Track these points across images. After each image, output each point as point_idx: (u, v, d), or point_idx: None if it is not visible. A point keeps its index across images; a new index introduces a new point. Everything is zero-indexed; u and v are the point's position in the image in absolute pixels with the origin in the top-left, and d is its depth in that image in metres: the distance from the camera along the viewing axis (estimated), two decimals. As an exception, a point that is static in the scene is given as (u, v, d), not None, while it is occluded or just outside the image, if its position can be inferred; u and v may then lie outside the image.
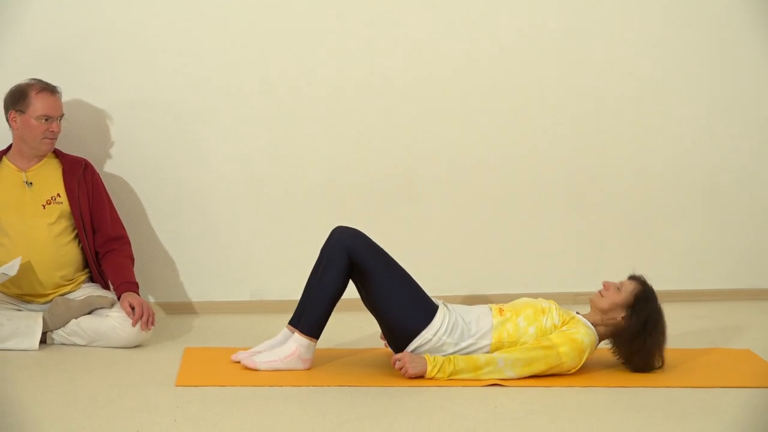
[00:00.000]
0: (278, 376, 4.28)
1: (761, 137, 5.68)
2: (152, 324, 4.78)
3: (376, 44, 5.43)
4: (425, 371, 4.22)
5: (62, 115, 4.94)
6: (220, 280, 5.50)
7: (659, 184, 5.66)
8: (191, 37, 5.33)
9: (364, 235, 4.42)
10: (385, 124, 5.49)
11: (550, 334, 4.30)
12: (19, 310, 4.84)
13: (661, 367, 4.36)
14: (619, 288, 4.37)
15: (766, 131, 5.68)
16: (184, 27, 5.32)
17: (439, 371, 4.21)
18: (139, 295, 4.88)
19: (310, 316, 4.36)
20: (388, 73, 5.45)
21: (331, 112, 5.46)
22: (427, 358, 4.23)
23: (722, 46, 5.59)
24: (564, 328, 4.31)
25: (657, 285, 5.53)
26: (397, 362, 4.25)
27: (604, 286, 4.40)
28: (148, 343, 4.81)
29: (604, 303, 4.36)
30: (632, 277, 4.42)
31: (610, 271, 5.57)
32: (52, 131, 4.89)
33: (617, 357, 4.40)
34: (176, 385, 4.20)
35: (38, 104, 4.86)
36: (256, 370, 4.36)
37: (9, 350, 4.65)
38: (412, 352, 4.29)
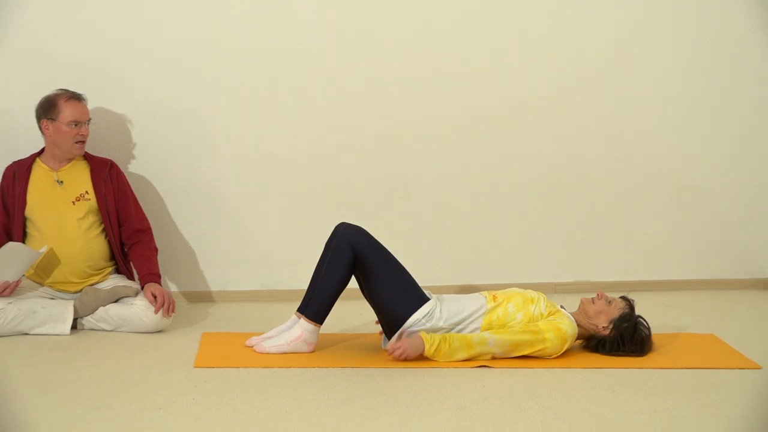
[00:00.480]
0: (287, 359, 4.30)
1: (724, 143, 5.65)
2: (173, 311, 4.79)
3: (375, 58, 5.40)
4: (423, 350, 4.25)
5: (90, 120, 4.95)
6: (234, 271, 5.49)
7: (631, 184, 5.64)
8: (205, 50, 5.31)
9: (366, 231, 4.44)
10: (383, 131, 5.47)
11: (537, 321, 4.35)
12: (52, 299, 4.85)
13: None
14: (610, 302, 4.44)
15: (728, 138, 5.65)
16: (199, 40, 5.30)
17: (436, 350, 4.23)
18: (161, 285, 4.89)
19: (316, 303, 4.38)
20: (387, 83, 5.42)
21: (334, 118, 5.44)
22: (423, 336, 4.25)
23: (693, 59, 5.58)
24: (550, 318, 4.35)
25: (629, 276, 5.66)
26: (397, 350, 4.26)
27: (597, 294, 4.46)
28: (169, 329, 4.82)
29: (593, 309, 4.42)
30: (624, 298, 4.48)
31: (587, 263, 5.65)
32: (82, 135, 4.89)
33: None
34: (195, 367, 4.22)
35: (67, 111, 4.88)
36: (266, 353, 4.40)
37: (43, 335, 4.67)
38: (408, 330, 4.32)
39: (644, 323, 4.44)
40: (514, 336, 4.26)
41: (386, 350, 4.35)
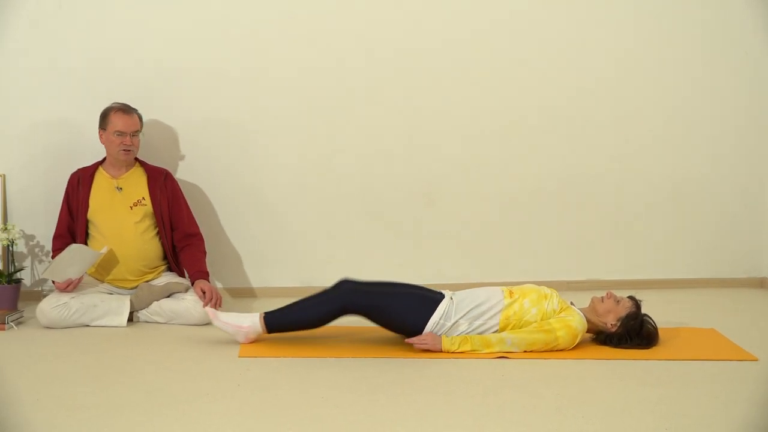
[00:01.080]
0: (324, 350, 4.28)
1: (721, 148, 5.60)
2: (219, 306, 4.78)
3: (402, 72, 5.40)
4: (441, 348, 4.21)
5: (137, 131, 4.92)
6: (275, 269, 5.49)
7: (636, 188, 5.60)
8: (249, 67, 5.32)
9: (362, 288, 4.33)
10: (409, 141, 5.47)
11: (549, 318, 4.28)
12: (111, 294, 4.86)
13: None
14: (618, 301, 4.38)
15: (725, 143, 5.60)
16: (243, 59, 5.31)
17: (457, 348, 4.20)
18: (209, 281, 4.89)
19: (280, 319, 4.34)
20: (413, 96, 5.42)
21: (365, 129, 5.44)
22: (443, 339, 4.23)
23: (692, 69, 5.54)
24: (562, 314, 4.30)
25: (635, 274, 5.61)
26: (420, 343, 4.22)
27: (607, 294, 4.41)
28: (216, 321, 4.84)
29: (603, 308, 4.37)
30: (631, 298, 4.42)
31: (597, 262, 5.60)
32: (125, 144, 4.88)
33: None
34: (239, 356, 4.20)
35: (114, 121, 4.88)
36: (210, 320, 4.37)
37: (102, 326, 4.69)
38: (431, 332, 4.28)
39: (650, 321, 4.39)
40: (530, 335, 4.22)
41: (409, 341, 4.30)
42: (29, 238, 5.24)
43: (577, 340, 4.28)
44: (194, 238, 5.04)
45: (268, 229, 5.48)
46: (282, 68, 5.35)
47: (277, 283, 5.49)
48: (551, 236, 5.60)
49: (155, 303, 4.78)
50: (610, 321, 4.35)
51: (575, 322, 4.26)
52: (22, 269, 5.09)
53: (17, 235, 5.01)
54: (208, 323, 4.71)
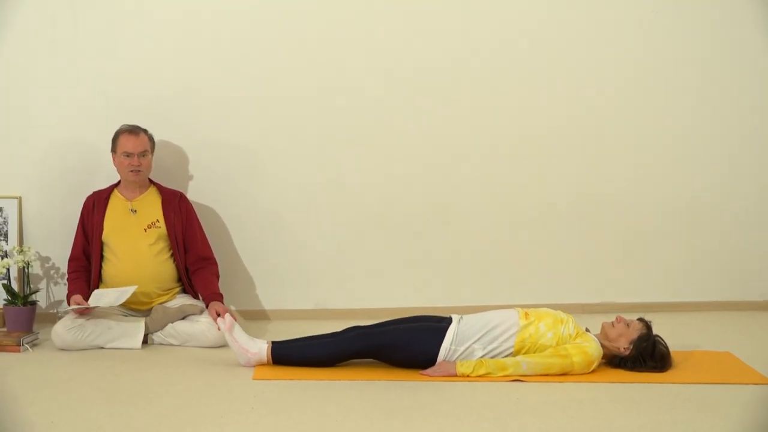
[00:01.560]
0: (338, 373, 4.28)
1: (735, 172, 5.60)
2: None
3: (416, 94, 5.42)
4: (455, 373, 4.22)
5: (145, 151, 4.95)
6: (289, 292, 5.49)
7: (651, 212, 5.60)
8: (262, 89, 5.36)
9: (369, 330, 4.37)
10: (424, 161, 5.48)
11: (565, 343, 4.28)
12: (126, 316, 4.88)
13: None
14: (628, 324, 4.38)
15: (738, 166, 5.60)
16: (258, 79, 5.35)
17: (471, 372, 4.20)
18: (223, 303, 4.91)
19: (287, 352, 4.37)
20: (428, 119, 5.44)
21: (380, 151, 5.46)
22: (457, 364, 4.23)
23: (711, 97, 5.55)
24: (578, 340, 4.30)
25: (650, 297, 5.60)
26: (432, 372, 4.23)
27: (617, 319, 4.41)
28: (230, 344, 4.85)
29: (614, 333, 4.37)
30: (641, 320, 4.42)
31: (610, 285, 5.60)
32: (133, 165, 4.92)
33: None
34: (253, 379, 4.21)
35: (122, 143, 4.93)
36: (225, 330, 4.38)
37: (117, 348, 4.70)
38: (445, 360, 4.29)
39: (662, 342, 4.39)
40: (545, 360, 4.23)
41: (424, 374, 4.29)
42: (45, 260, 5.28)
43: (593, 367, 4.28)
44: (207, 261, 5.06)
45: (282, 252, 5.49)
46: (296, 89, 5.38)
47: (291, 305, 5.49)
48: (566, 258, 5.60)
49: (170, 325, 4.80)
50: (623, 345, 4.35)
51: (591, 349, 4.27)
52: (37, 291, 5.13)
53: (33, 257, 5.05)
54: (223, 345, 4.73)
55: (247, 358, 4.36)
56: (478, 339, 4.28)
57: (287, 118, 5.41)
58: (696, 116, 5.58)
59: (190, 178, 5.38)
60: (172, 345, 4.80)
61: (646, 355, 4.32)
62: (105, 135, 5.10)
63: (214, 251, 5.15)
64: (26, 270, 5.09)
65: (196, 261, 5.03)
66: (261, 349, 4.36)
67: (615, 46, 5.49)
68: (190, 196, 5.31)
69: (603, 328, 4.41)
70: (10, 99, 5.27)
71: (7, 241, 5.24)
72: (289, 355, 4.37)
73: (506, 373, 4.20)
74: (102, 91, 5.27)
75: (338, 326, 4.78)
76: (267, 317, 5.48)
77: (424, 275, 5.53)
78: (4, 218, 5.24)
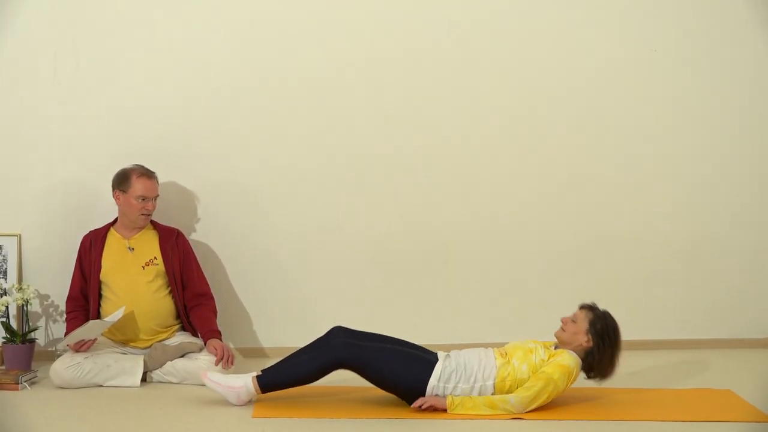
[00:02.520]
0: (338, 410, 4.29)
1: (738, 209, 5.64)
2: (232, 363, 4.80)
3: (417, 137, 5.48)
4: (446, 406, 4.22)
5: (157, 196, 5.02)
6: (287, 329, 5.49)
7: (653, 250, 5.62)
8: (263, 129, 5.40)
9: (355, 340, 4.38)
10: (424, 200, 5.52)
11: (540, 367, 4.29)
12: (124, 354, 4.89)
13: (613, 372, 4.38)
14: (574, 320, 4.39)
15: (743, 204, 5.64)
16: (258, 120, 5.39)
17: (458, 407, 4.20)
18: (221, 340, 4.92)
19: (273, 378, 4.35)
20: (429, 158, 5.49)
21: (379, 191, 5.50)
22: (448, 399, 4.24)
23: (711, 138, 5.61)
24: (551, 359, 4.30)
25: (651, 335, 5.60)
26: (423, 403, 4.22)
27: (562, 321, 4.42)
28: (229, 382, 4.85)
29: (567, 336, 4.38)
30: (582, 307, 4.43)
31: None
32: (147, 209, 4.97)
33: (588, 373, 4.40)
34: (253, 417, 4.21)
35: (137, 186, 4.95)
36: (203, 380, 4.37)
37: (116, 387, 4.70)
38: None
39: (609, 314, 4.39)
40: (530, 391, 4.22)
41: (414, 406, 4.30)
42: (44, 297, 5.31)
43: (573, 376, 4.28)
44: (204, 298, 5.07)
45: (280, 289, 5.50)
46: (296, 131, 5.43)
47: (288, 343, 5.42)
48: (568, 295, 5.56)
49: (169, 363, 4.81)
50: (582, 339, 4.34)
51: (565, 360, 4.27)
52: (36, 329, 5.14)
53: (32, 295, 5.06)
54: (222, 383, 4.75)
55: (236, 395, 4.34)
56: (461, 377, 4.29)
57: (285, 159, 5.44)
58: (697, 158, 5.62)
59: (187, 216, 5.41)
60: (171, 383, 4.80)
61: (609, 332, 4.32)
62: (105, 173, 5.13)
63: (211, 289, 5.16)
64: (25, 308, 5.11)
65: (193, 297, 5.04)
66: (246, 382, 4.34)
67: (616, 90, 5.55)
68: (188, 234, 5.34)
69: (558, 339, 4.41)
70: (10, 136, 5.31)
71: (6, 279, 5.26)
72: (276, 379, 4.35)
73: (495, 410, 4.20)
74: (103, 130, 5.32)
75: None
76: (265, 354, 5.48)
77: (424, 313, 5.54)
78: (4, 256, 5.27)
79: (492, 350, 4.43)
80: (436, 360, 4.34)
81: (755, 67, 5.57)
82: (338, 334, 4.43)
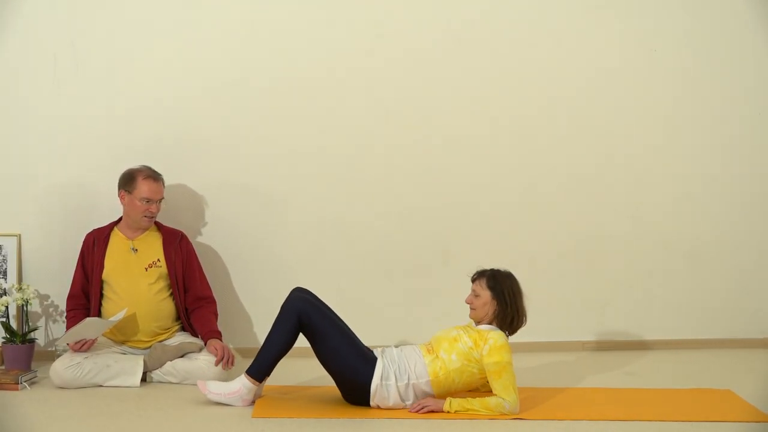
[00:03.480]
0: (337, 409, 4.30)
1: (737, 211, 5.66)
2: (232, 364, 4.81)
3: (419, 137, 5.50)
4: (442, 409, 4.25)
5: (162, 199, 5.03)
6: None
7: (652, 250, 5.64)
8: (263, 133, 5.41)
9: (315, 299, 4.44)
10: (425, 200, 5.53)
11: (472, 355, 4.28)
12: (124, 354, 4.90)
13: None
14: (476, 294, 4.39)
15: (741, 204, 5.66)
16: (260, 120, 5.41)
17: (456, 410, 4.22)
18: (221, 341, 4.93)
19: (257, 362, 4.39)
20: (430, 158, 5.51)
21: (380, 192, 5.51)
22: (446, 401, 4.25)
23: (711, 136, 5.62)
24: (483, 345, 4.26)
25: (651, 335, 5.61)
26: (420, 408, 4.24)
27: (467, 302, 4.41)
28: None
29: (479, 312, 4.38)
30: (475, 277, 4.43)
31: (612, 323, 5.62)
32: (151, 211, 4.97)
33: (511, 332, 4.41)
34: (252, 417, 4.23)
35: (143, 188, 4.96)
36: (205, 395, 4.40)
37: (116, 387, 4.71)
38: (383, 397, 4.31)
39: (498, 269, 4.40)
40: (503, 382, 4.21)
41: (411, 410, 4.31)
42: (44, 298, 5.32)
43: (509, 347, 4.26)
44: (206, 301, 5.08)
45: (279, 291, 5.40)
46: (297, 129, 5.44)
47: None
48: (566, 296, 5.63)
49: (169, 363, 4.82)
50: (491, 308, 4.35)
51: (495, 339, 4.27)
52: (36, 329, 5.15)
53: (32, 295, 5.07)
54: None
55: (239, 397, 4.37)
56: (398, 376, 4.31)
57: (286, 160, 5.45)
58: (697, 156, 5.64)
59: (191, 218, 5.42)
60: (170, 383, 4.81)
61: (512, 291, 4.34)
62: (106, 173, 5.17)
63: (213, 290, 5.18)
64: (25, 308, 5.12)
65: (195, 300, 5.05)
66: (242, 381, 4.38)
67: (616, 90, 5.57)
68: (191, 235, 5.34)
69: (472, 318, 4.41)
70: (11, 137, 5.32)
71: (6, 279, 5.27)
72: (261, 363, 4.38)
73: (492, 412, 4.20)
74: (104, 130, 5.33)
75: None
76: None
77: (423, 314, 5.54)
78: (4, 256, 5.29)
79: (418, 347, 4.43)
80: (375, 358, 4.36)
81: (755, 67, 5.59)
82: (294, 291, 4.46)
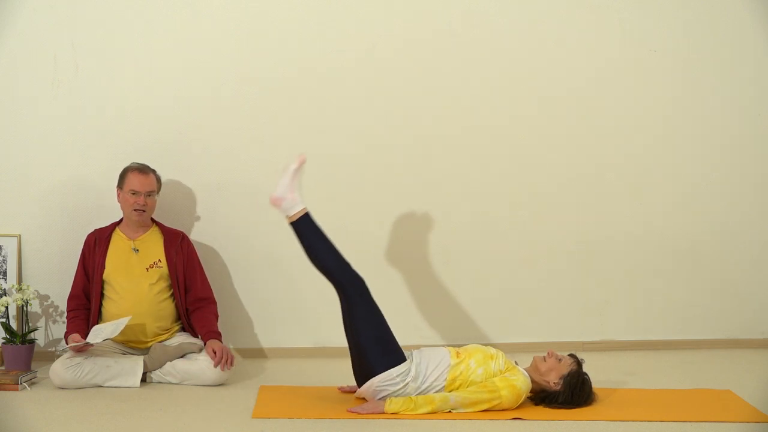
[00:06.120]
0: (338, 410, 4.30)
1: (738, 213, 5.66)
2: (231, 365, 4.80)
3: (419, 139, 5.50)
4: (383, 410, 4.24)
5: (152, 192, 5.01)
6: (288, 330, 5.52)
7: (651, 251, 5.64)
8: (263, 133, 5.42)
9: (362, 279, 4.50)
10: (425, 201, 5.53)
11: (494, 377, 4.30)
12: (124, 354, 4.90)
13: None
14: (560, 359, 4.39)
15: (742, 204, 5.66)
16: (260, 120, 5.41)
17: (398, 410, 4.22)
18: (221, 342, 4.93)
19: (308, 235, 4.53)
20: (431, 160, 5.50)
21: (380, 192, 5.51)
22: (386, 403, 4.24)
23: (711, 140, 5.62)
24: (507, 374, 4.31)
25: (651, 335, 5.61)
26: (363, 411, 4.25)
27: (548, 353, 4.41)
28: (229, 382, 4.83)
29: (545, 366, 4.37)
30: (572, 356, 4.44)
31: (612, 323, 5.62)
32: (139, 203, 4.95)
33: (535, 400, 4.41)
34: (253, 417, 4.22)
35: (130, 181, 4.96)
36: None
37: (115, 387, 4.71)
38: (376, 389, 4.30)
39: (589, 381, 4.39)
40: (473, 395, 4.24)
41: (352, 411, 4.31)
42: (44, 298, 5.32)
43: (521, 400, 4.29)
44: (206, 302, 5.08)
45: (281, 290, 5.52)
46: (297, 129, 5.44)
47: (289, 343, 5.51)
48: (567, 296, 5.63)
49: (168, 363, 4.82)
50: (553, 379, 4.35)
51: (519, 382, 4.28)
52: (36, 329, 5.15)
53: (32, 296, 5.08)
54: (222, 384, 4.77)
55: (282, 194, 4.47)
56: (418, 376, 4.31)
57: (287, 160, 5.42)
58: (697, 156, 5.64)
59: (191, 218, 5.42)
60: (170, 383, 4.81)
61: (575, 391, 4.32)
62: (106, 173, 5.18)
63: (213, 291, 5.18)
64: (25, 308, 5.12)
65: (195, 301, 5.05)
66: (296, 204, 4.49)
67: (616, 90, 5.57)
68: (191, 235, 5.35)
69: (534, 361, 4.42)
70: (11, 137, 5.32)
71: (6, 280, 5.27)
72: (308, 236, 4.50)
73: (433, 407, 4.22)
74: (103, 130, 5.33)
75: (337, 364, 4.84)
76: (265, 355, 5.49)
77: (423, 314, 5.55)
78: (4, 256, 5.29)
79: (448, 349, 4.44)
80: (404, 358, 4.36)
81: (755, 67, 5.59)
82: (355, 275, 4.53)
